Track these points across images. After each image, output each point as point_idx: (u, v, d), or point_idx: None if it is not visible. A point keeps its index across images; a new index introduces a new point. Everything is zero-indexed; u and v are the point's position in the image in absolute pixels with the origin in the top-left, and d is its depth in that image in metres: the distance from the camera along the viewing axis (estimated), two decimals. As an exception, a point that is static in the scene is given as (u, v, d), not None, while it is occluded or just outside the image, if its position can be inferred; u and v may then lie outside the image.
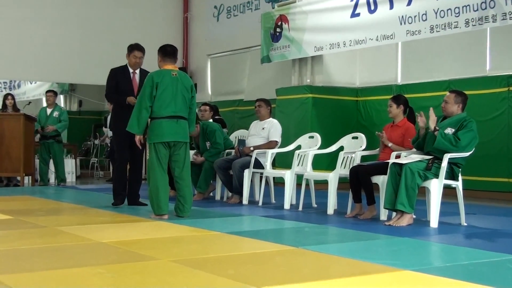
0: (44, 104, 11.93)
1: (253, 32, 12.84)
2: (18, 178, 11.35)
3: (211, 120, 9.40)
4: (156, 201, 6.60)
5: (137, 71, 7.78)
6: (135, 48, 7.72)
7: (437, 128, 6.21)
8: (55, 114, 11.78)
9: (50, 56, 13.83)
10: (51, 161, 11.80)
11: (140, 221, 6.49)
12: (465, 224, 6.34)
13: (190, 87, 6.81)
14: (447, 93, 6.54)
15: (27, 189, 10.75)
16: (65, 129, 12.41)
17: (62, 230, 5.72)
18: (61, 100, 19.36)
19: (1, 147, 10.94)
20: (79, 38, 14.11)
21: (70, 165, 13.20)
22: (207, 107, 9.43)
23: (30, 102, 13.28)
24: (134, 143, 6.95)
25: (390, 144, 6.88)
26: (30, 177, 11.64)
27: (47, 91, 12.35)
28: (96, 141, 16.25)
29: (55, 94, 12.38)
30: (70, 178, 13.03)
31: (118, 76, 7.74)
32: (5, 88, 20.17)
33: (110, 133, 12.80)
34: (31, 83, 19.34)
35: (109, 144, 15.46)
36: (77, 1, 14.24)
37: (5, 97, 11.86)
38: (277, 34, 11.69)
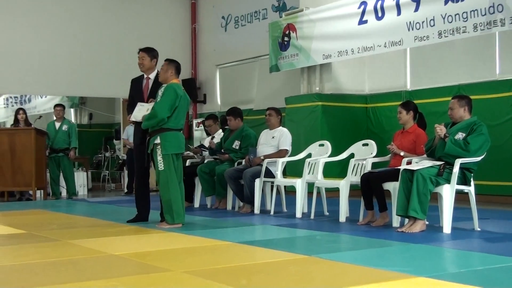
0: (55, 118, 11.99)
1: (261, 41, 12.88)
2: (30, 192, 11.40)
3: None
4: (177, 210, 6.82)
5: (152, 75, 7.33)
6: (139, 50, 7.40)
7: (447, 134, 6.21)
8: (64, 127, 11.84)
9: (60, 70, 13.92)
10: (61, 175, 11.85)
11: (151, 233, 6.50)
12: (479, 229, 6.31)
13: (189, 101, 7.26)
14: (450, 100, 6.52)
15: (39, 203, 10.78)
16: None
17: (75, 243, 5.74)
18: (71, 113, 19.46)
19: (13, 161, 11.02)
20: (87, 51, 14.20)
21: (81, 178, 13.25)
22: (211, 121, 9.46)
23: (41, 116, 13.31)
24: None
25: (402, 153, 6.84)
26: (42, 191, 11.69)
27: (56, 105, 12.41)
28: (107, 154, 16.29)
29: (64, 108, 12.45)
30: (82, 191, 13.07)
31: (133, 85, 7.52)
32: (16, 102, 20.28)
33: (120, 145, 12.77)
34: (41, 97, 19.43)
35: (120, 157, 15.52)
36: (84, 14, 14.34)
37: (17, 111, 11.95)
38: (285, 43, 11.71)
